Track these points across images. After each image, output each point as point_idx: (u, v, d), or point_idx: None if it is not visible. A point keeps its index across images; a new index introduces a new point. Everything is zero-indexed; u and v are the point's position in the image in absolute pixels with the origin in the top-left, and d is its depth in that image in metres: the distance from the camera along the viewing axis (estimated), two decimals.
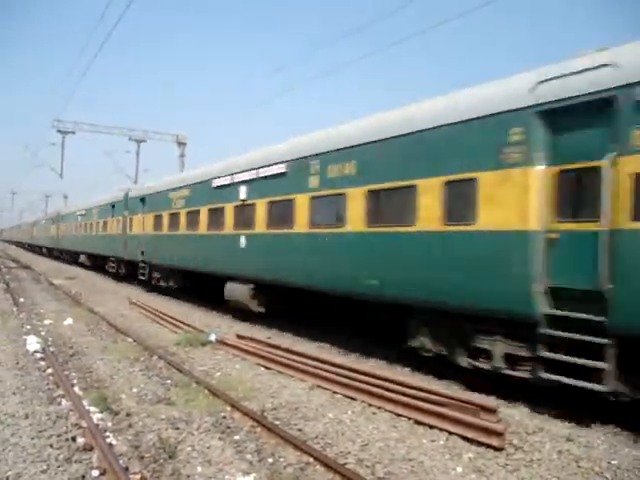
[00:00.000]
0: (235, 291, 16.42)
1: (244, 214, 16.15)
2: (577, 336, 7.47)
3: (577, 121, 7.76)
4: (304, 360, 10.39)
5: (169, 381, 9.77)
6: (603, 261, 7.22)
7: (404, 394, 8.16)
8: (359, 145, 11.63)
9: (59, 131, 42.53)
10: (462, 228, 9.17)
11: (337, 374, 9.42)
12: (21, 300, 20.57)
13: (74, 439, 6.64)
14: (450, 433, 7.21)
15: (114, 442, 6.67)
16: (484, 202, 8.80)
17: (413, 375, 10.37)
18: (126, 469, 5.80)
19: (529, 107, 8.25)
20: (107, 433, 6.94)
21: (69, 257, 47.65)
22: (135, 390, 9.12)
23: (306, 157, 13.34)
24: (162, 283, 23.54)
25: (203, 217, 18.96)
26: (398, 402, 8.12)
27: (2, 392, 8.54)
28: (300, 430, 7.40)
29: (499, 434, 6.79)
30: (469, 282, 8.99)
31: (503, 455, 6.61)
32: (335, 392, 9.07)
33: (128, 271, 28.43)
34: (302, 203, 13.34)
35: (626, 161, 7.08)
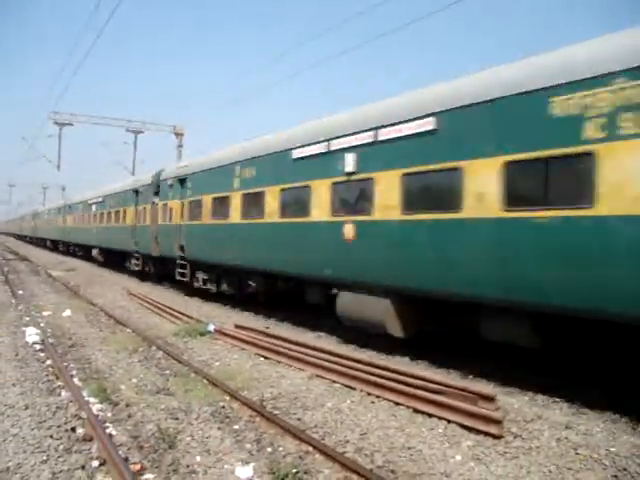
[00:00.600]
0: (96, 253, 35.11)
1: (100, 217, 34.01)
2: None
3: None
4: (303, 350, 10.40)
5: (168, 371, 9.79)
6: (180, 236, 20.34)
7: (403, 383, 8.17)
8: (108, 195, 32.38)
9: (56, 123, 42.30)
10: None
11: (336, 363, 9.43)
12: (20, 292, 20.57)
13: (74, 430, 6.66)
14: (449, 421, 7.23)
15: (114, 432, 6.68)
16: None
17: (411, 364, 10.40)
18: (126, 459, 5.81)
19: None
20: (107, 424, 6.96)
21: (42, 242, 66.21)
22: (134, 381, 9.14)
23: (105, 195, 32.88)
24: (79, 253, 43.03)
25: (86, 218, 38.17)
26: (397, 391, 8.13)
27: (2, 383, 8.54)
28: (299, 419, 7.42)
29: (498, 422, 6.81)
30: None
31: (502, 443, 6.63)
32: (334, 381, 9.09)
33: (67, 248, 48.19)
34: (108, 214, 31.96)
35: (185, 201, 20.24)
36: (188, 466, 5.87)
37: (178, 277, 20.74)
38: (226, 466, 5.90)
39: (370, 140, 11.03)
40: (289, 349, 10.59)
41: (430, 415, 7.47)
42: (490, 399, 7.30)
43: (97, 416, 7.07)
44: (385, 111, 11.09)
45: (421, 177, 10.00)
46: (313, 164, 12.83)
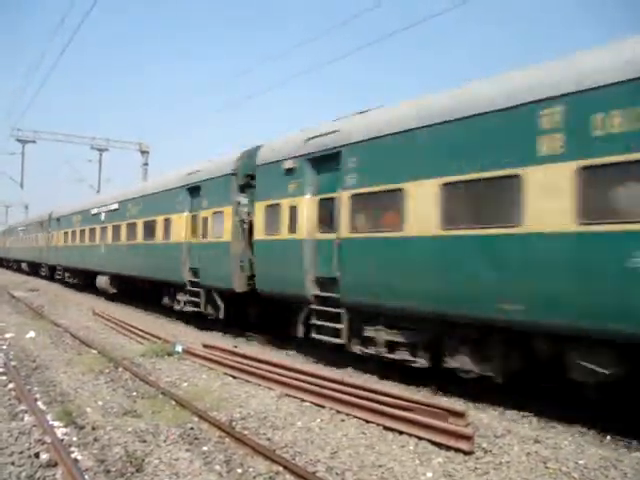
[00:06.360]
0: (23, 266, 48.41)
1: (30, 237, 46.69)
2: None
3: None
4: (272, 368, 10.32)
5: (135, 393, 9.61)
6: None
7: (372, 400, 8.15)
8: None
9: (18, 140, 41.74)
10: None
11: (305, 382, 9.38)
12: None
13: (37, 455, 6.47)
14: (419, 438, 7.22)
15: (79, 457, 6.52)
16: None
17: (380, 382, 10.39)
18: None
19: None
20: (72, 448, 6.79)
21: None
22: (100, 403, 8.94)
23: (40, 221, 42.79)
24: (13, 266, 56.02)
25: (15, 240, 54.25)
26: (367, 408, 8.10)
27: None
28: (269, 439, 7.33)
29: (468, 438, 6.82)
30: None
31: (472, 459, 6.64)
32: (303, 400, 9.03)
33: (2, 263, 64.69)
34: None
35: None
36: None
37: None
38: None
39: None
40: (257, 368, 10.50)
41: (401, 432, 7.46)
42: (460, 415, 7.33)
43: (62, 440, 6.90)
44: None
45: None
46: None
